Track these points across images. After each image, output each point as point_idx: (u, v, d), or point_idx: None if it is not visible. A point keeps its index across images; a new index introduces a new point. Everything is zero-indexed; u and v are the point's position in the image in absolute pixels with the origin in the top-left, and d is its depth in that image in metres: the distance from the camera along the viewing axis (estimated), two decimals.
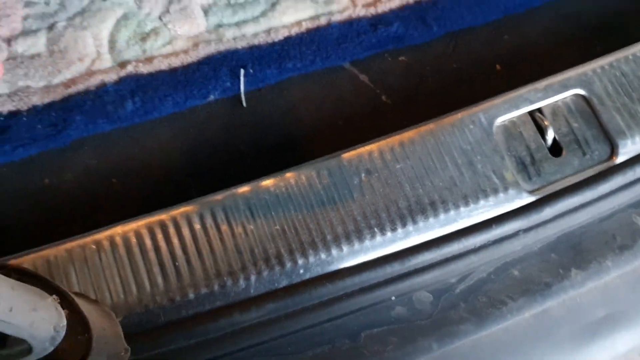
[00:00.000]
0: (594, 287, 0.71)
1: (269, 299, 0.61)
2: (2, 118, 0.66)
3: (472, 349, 0.66)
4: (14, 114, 0.67)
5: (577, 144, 0.72)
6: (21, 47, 0.69)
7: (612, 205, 0.73)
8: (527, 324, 0.69)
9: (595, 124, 0.73)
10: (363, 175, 0.67)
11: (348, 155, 0.67)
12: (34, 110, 0.67)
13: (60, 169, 0.68)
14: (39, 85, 0.68)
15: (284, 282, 0.62)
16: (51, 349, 0.44)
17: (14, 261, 0.58)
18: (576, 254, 0.72)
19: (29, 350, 0.43)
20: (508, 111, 0.72)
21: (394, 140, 0.69)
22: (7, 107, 0.67)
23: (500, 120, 0.72)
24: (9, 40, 0.69)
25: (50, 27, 0.70)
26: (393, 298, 0.66)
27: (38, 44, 0.70)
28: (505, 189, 0.69)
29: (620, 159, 0.72)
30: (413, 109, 0.78)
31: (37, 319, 0.43)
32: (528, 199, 0.69)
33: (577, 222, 0.72)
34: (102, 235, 0.60)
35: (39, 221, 0.66)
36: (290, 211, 0.64)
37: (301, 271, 0.63)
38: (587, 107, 0.74)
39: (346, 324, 0.65)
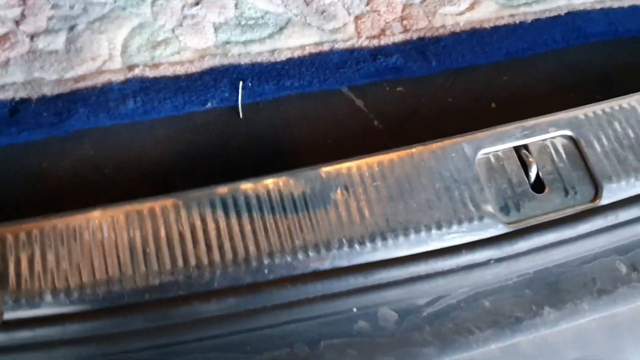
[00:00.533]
0: (568, 328, 0.70)
1: (231, 294, 0.63)
2: (13, 103, 0.72)
3: None
4: (24, 101, 0.73)
5: (561, 183, 0.73)
6: (42, 43, 0.76)
7: (592, 248, 0.73)
8: (494, 356, 0.68)
9: (581, 166, 0.74)
10: (339, 189, 0.69)
11: (327, 168, 0.70)
12: (43, 99, 0.73)
13: (59, 156, 0.73)
14: (52, 78, 0.74)
15: (247, 280, 0.64)
16: None
17: None
18: (552, 292, 0.71)
19: None
20: (493, 144, 0.74)
21: (374, 160, 0.71)
22: (19, 94, 0.73)
23: (483, 152, 0.73)
24: (32, 36, 0.76)
25: (71, 28, 0.77)
26: (355, 310, 0.66)
27: (57, 41, 0.76)
28: (481, 218, 0.69)
29: (603, 202, 0.72)
30: (403, 137, 0.81)
31: None
32: (503, 230, 0.69)
33: (554, 260, 0.72)
34: (82, 216, 0.64)
35: (33, 200, 0.70)
36: (264, 214, 0.67)
37: (266, 271, 0.65)
38: (575, 149, 0.75)
39: (307, 331, 0.66)
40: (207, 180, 0.74)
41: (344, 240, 0.67)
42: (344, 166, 0.70)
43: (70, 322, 0.61)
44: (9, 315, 0.60)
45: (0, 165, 0.72)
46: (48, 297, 0.62)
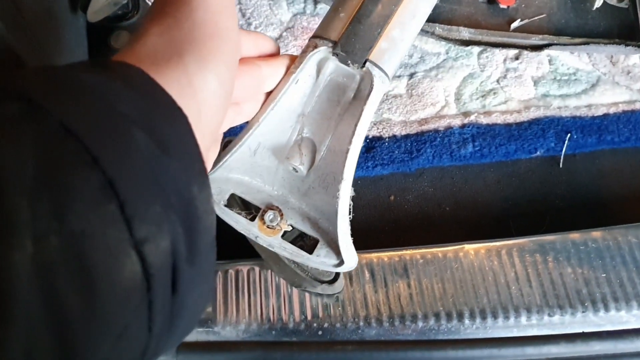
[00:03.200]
0: None
1: (595, 338, 0.67)
2: (368, 140, 0.80)
3: None
4: (377, 139, 0.81)
5: None
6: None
7: None
8: None
9: None
10: None
11: None
12: (394, 138, 0.80)
13: (403, 190, 0.80)
14: (398, 119, 0.82)
15: (607, 326, 0.67)
16: None
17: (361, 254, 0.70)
18: None
19: None
20: None
21: None
22: (372, 132, 0.81)
23: None
24: None
25: (411, 75, 0.85)
26: None
27: (400, 86, 0.84)
28: None
29: None
30: None
31: None
32: None
33: None
34: (454, 249, 0.70)
35: (383, 228, 0.78)
36: (617, 262, 0.70)
37: (624, 319, 0.67)
38: None
39: None
40: (537, 224, 0.78)
41: None
42: None
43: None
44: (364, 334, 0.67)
45: (355, 193, 0.79)
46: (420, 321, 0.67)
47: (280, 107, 0.51)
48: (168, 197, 0.26)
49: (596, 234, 0.72)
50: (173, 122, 0.29)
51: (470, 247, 0.71)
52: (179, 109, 0.30)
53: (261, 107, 0.50)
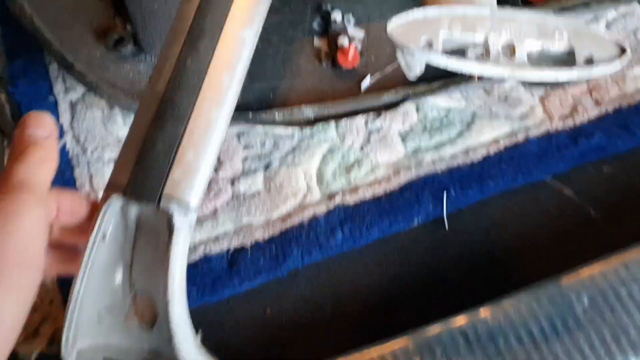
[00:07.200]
0: None
1: None
2: (229, 254, 0.73)
3: None
4: (239, 250, 0.73)
5: None
6: (243, 186, 0.76)
7: None
8: None
9: None
10: (586, 301, 0.63)
11: (568, 279, 0.64)
12: (257, 246, 0.73)
13: (279, 299, 0.73)
14: (260, 221, 0.74)
15: None
16: None
17: None
18: None
19: None
20: None
21: (616, 261, 0.65)
22: (234, 243, 0.73)
23: None
24: (232, 181, 0.77)
25: (266, 166, 0.77)
26: None
27: (257, 182, 0.77)
28: None
29: None
30: (625, 224, 0.74)
31: None
32: None
33: None
34: None
35: (260, 349, 0.70)
36: (512, 344, 0.62)
37: None
38: None
39: None
40: (429, 301, 0.71)
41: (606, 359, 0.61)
42: (585, 273, 0.65)
43: None
44: None
45: (226, 316, 0.72)
46: None
47: (95, 270, 0.47)
48: None
49: (485, 313, 0.64)
50: None
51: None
52: None
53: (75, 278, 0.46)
